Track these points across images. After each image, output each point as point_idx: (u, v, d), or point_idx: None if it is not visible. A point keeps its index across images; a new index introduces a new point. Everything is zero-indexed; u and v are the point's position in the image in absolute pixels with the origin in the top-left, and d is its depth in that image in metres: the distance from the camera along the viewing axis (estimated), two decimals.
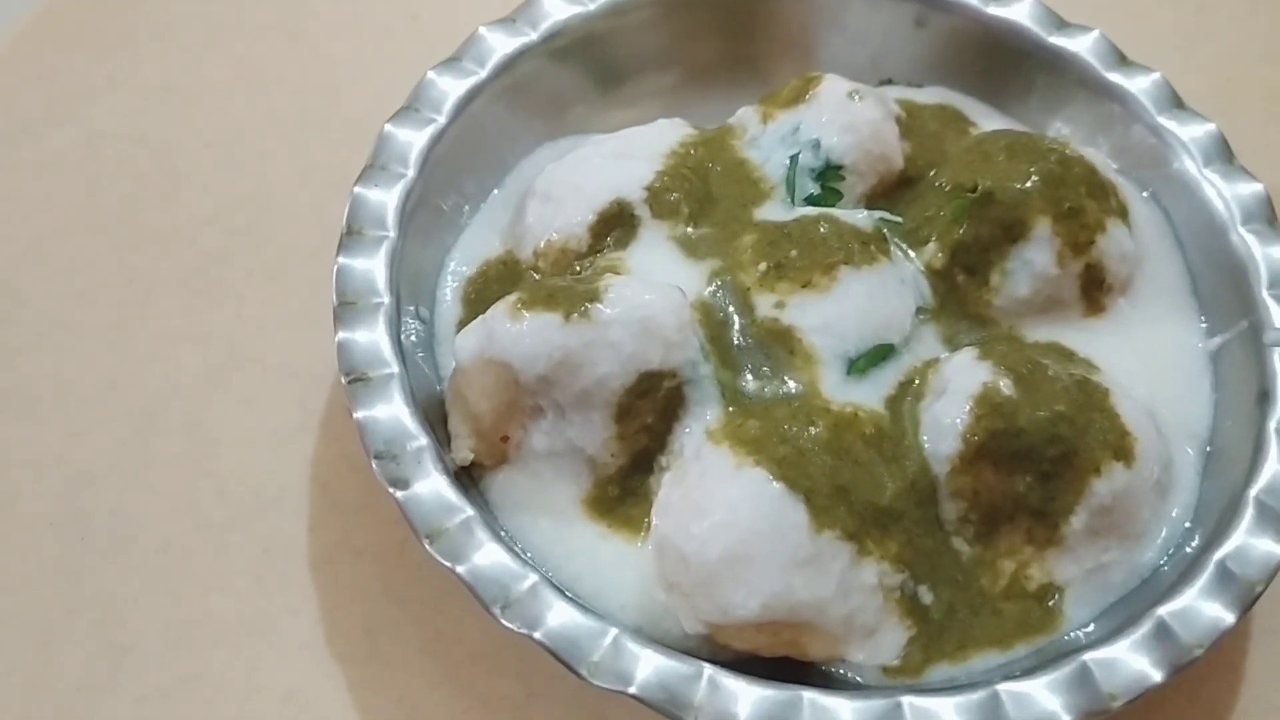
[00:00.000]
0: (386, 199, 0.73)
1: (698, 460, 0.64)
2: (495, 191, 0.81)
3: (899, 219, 0.76)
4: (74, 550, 0.72)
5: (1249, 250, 0.75)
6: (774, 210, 0.76)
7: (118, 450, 0.75)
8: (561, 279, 0.70)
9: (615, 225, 0.74)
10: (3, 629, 0.69)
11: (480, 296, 0.75)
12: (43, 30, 0.94)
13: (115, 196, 0.86)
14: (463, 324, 0.73)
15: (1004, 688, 0.60)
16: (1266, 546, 0.64)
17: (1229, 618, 0.62)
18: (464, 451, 0.67)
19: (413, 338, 0.72)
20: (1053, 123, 0.84)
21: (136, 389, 0.78)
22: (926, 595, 0.64)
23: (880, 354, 0.69)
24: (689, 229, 0.74)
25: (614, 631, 0.60)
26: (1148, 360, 0.74)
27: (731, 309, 0.70)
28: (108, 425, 0.76)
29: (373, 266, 0.70)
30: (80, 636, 0.69)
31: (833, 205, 0.76)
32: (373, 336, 0.68)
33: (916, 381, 0.69)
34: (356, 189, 0.73)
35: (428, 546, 0.62)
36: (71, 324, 0.80)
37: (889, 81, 0.87)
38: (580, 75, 0.83)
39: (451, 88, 0.78)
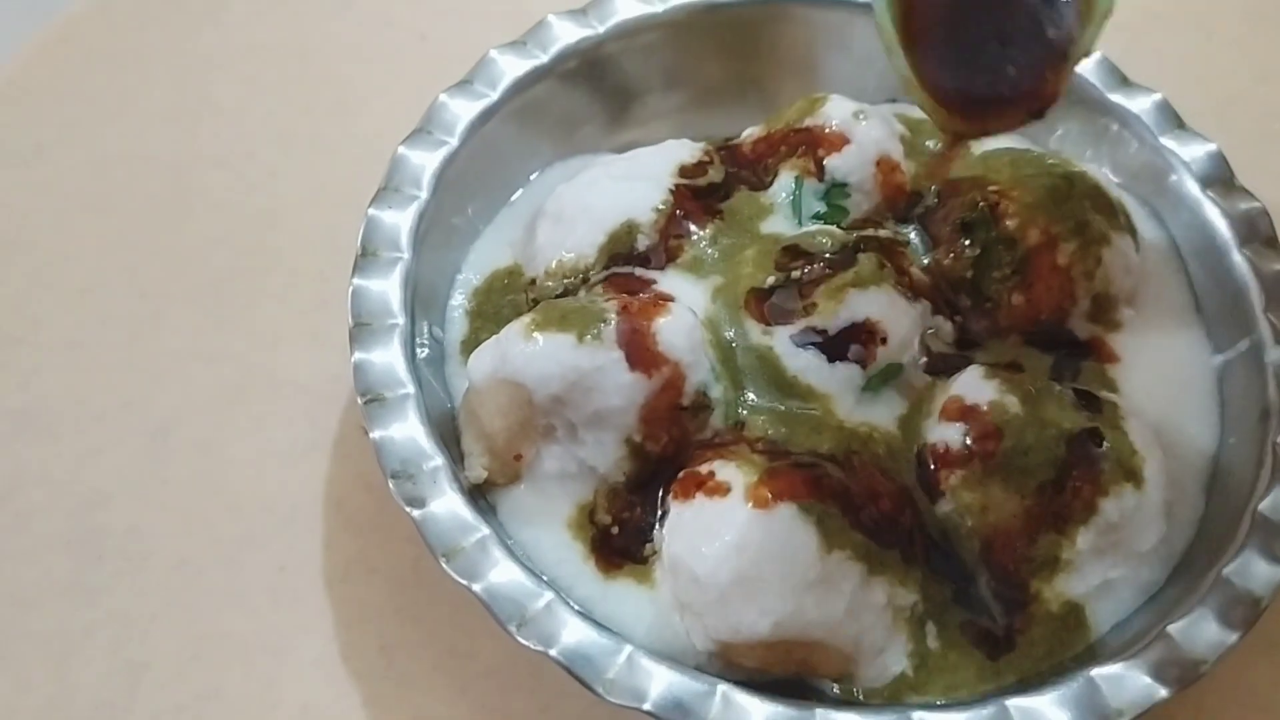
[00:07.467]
0: (400, 220, 0.73)
1: None
2: (506, 206, 0.81)
3: (904, 237, 0.77)
4: (90, 569, 0.72)
5: (1250, 270, 0.75)
6: (780, 227, 0.77)
7: (132, 469, 0.76)
8: (575, 299, 0.71)
9: (626, 246, 0.74)
10: (20, 647, 0.70)
11: (481, 309, 0.76)
12: (54, 52, 0.95)
13: (127, 217, 0.87)
14: (468, 337, 0.75)
15: (1013, 703, 0.60)
16: (1270, 563, 0.65)
17: (1234, 634, 0.62)
18: (477, 470, 0.67)
19: (424, 354, 0.72)
20: (1054, 140, 0.85)
21: (150, 408, 0.78)
22: (933, 635, 0.65)
23: (891, 373, 0.70)
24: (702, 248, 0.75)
25: (629, 649, 0.61)
26: (1155, 377, 0.75)
27: (734, 330, 0.70)
28: (122, 444, 0.77)
29: (387, 288, 0.71)
30: (96, 655, 0.69)
31: (838, 223, 0.76)
32: (388, 357, 0.68)
33: (924, 400, 0.70)
34: (371, 211, 0.73)
35: (445, 565, 0.62)
36: (85, 343, 0.81)
37: (893, 100, 0.87)
38: (590, 97, 0.84)
39: (463, 110, 0.78)
